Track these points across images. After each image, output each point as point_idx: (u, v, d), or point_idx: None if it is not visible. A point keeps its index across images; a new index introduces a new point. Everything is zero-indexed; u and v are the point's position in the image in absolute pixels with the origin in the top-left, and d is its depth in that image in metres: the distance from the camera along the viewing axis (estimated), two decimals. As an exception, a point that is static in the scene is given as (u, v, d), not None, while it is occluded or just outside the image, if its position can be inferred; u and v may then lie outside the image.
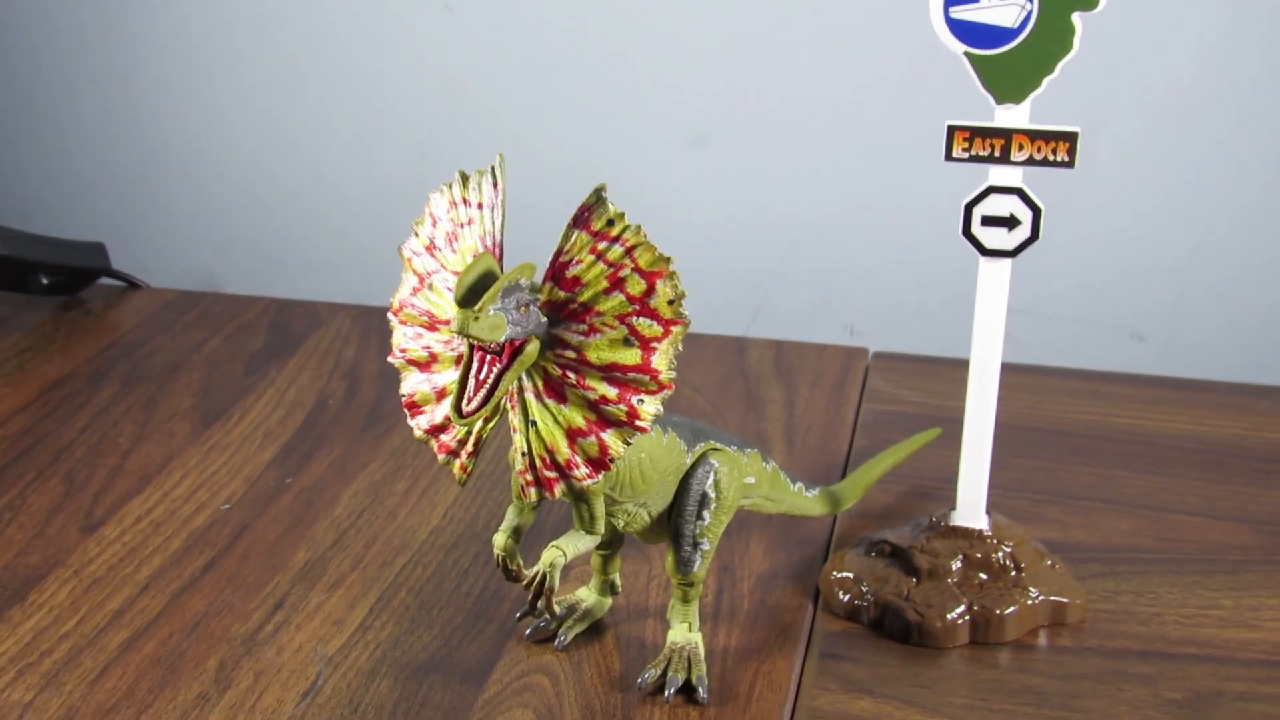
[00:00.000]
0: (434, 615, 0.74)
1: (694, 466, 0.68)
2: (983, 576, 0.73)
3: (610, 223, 0.60)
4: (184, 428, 0.94)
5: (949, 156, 0.69)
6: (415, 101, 1.25)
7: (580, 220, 0.60)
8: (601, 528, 0.65)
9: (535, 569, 0.65)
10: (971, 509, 0.75)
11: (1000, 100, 0.68)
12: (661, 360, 0.60)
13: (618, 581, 0.74)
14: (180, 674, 0.70)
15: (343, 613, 0.74)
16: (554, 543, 0.65)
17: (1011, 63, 0.67)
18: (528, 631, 0.72)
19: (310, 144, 1.28)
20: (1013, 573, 0.73)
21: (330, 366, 1.03)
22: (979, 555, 0.73)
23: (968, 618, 0.72)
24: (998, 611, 0.71)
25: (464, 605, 0.75)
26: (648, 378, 0.60)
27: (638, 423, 0.61)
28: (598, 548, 0.72)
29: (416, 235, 0.64)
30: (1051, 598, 0.73)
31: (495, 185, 0.62)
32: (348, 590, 0.76)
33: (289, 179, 1.30)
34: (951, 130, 0.69)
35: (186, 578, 0.78)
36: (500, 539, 0.65)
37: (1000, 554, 0.73)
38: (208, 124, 1.30)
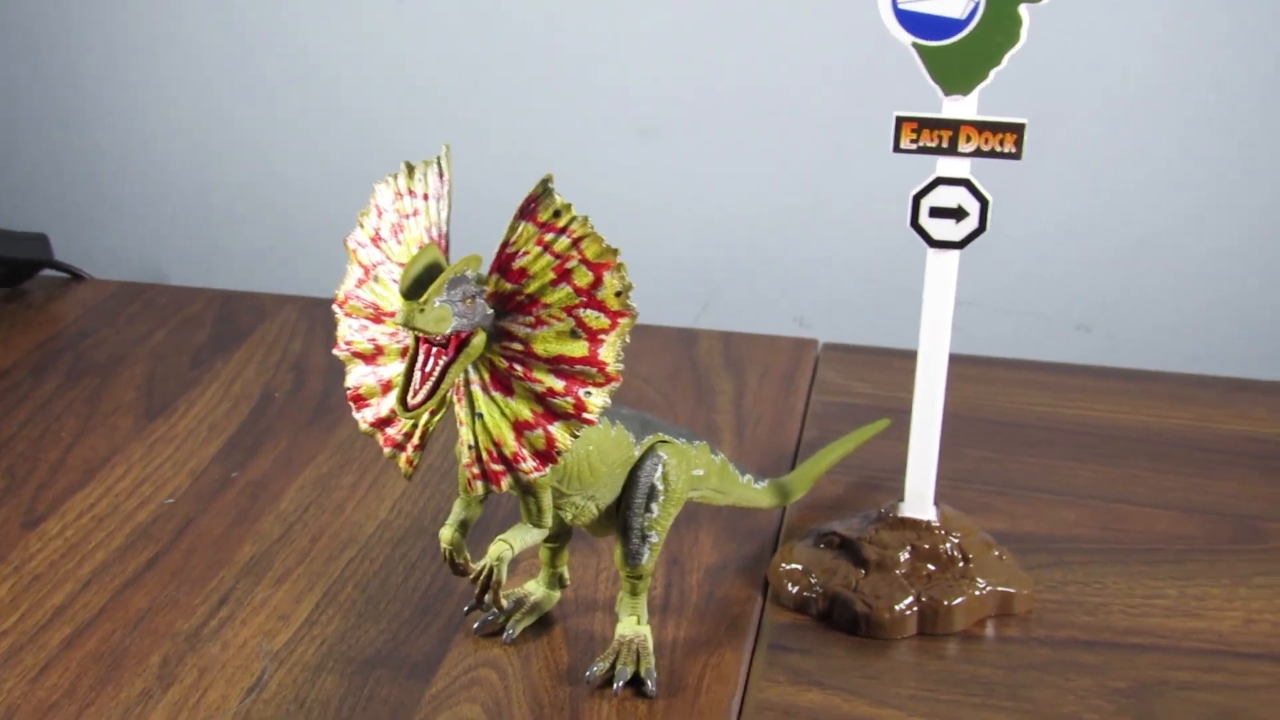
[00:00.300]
0: (381, 610, 0.74)
1: (642, 459, 0.68)
2: (931, 567, 0.73)
3: (557, 214, 0.59)
4: (128, 421, 0.93)
5: (897, 148, 0.69)
6: (363, 92, 1.24)
7: (527, 211, 0.59)
8: (549, 521, 0.65)
9: (482, 563, 0.64)
10: (920, 500, 0.75)
11: (948, 91, 0.68)
12: (609, 352, 0.60)
13: (566, 574, 0.73)
14: (123, 670, 0.69)
15: (288, 607, 0.74)
16: (501, 536, 0.64)
17: (959, 54, 0.67)
18: (475, 625, 0.72)
19: (256, 134, 1.27)
20: (960, 564, 0.73)
21: (276, 359, 1.02)
22: (927, 546, 0.74)
23: (916, 609, 0.72)
24: (945, 602, 0.72)
25: (411, 599, 0.74)
26: (595, 370, 0.60)
27: (585, 415, 0.60)
28: (546, 541, 0.72)
29: (362, 227, 0.64)
30: (999, 588, 0.73)
31: (441, 176, 0.62)
32: (294, 585, 0.76)
33: (235, 169, 1.29)
34: (899, 121, 0.69)
35: (130, 573, 0.77)
36: (447, 533, 0.65)
37: (948, 545, 0.74)
38: (152, 113, 1.29)
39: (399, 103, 1.23)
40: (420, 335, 0.58)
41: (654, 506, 0.68)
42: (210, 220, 1.31)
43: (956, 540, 0.74)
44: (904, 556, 0.73)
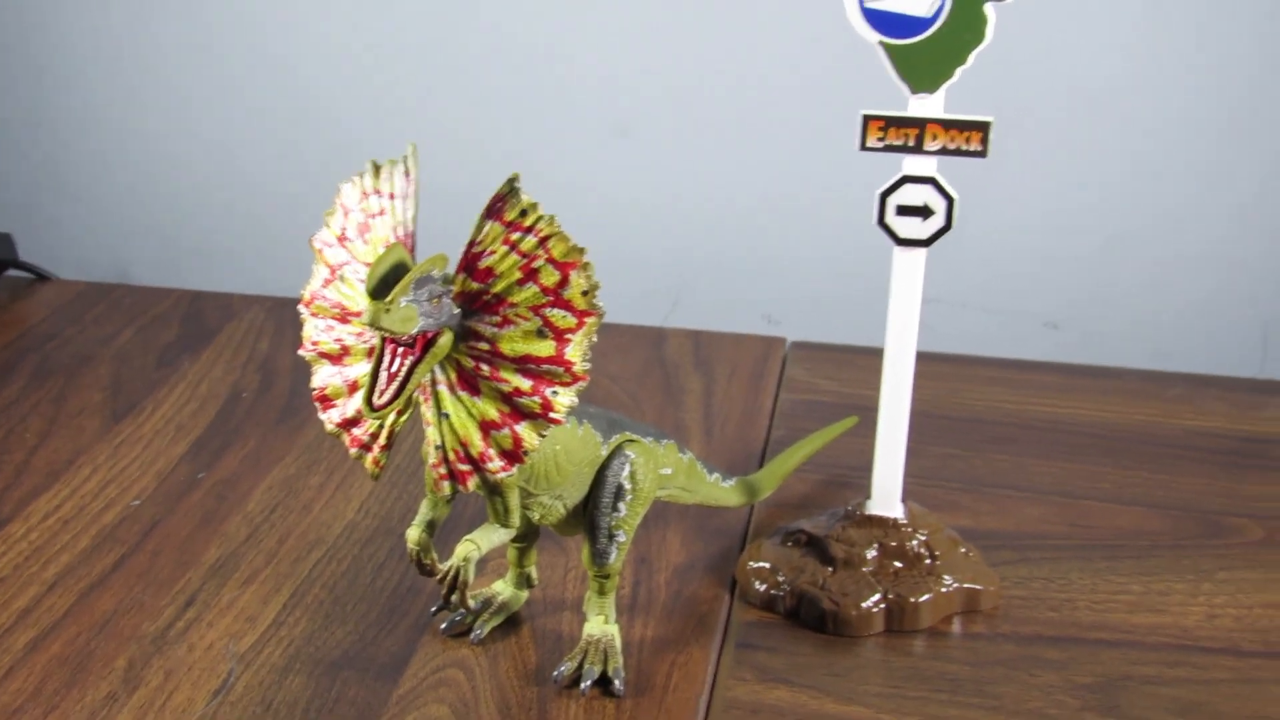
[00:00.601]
0: (348, 611, 0.73)
1: (610, 458, 0.68)
2: (898, 565, 0.73)
3: (524, 213, 0.59)
4: (94, 422, 0.92)
5: (864, 146, 0.69)
6: (329, 91, 1.24)
7: (493, 211, 0.59)
8: (517, 521, 0.65)
9: (449, 563, 0.64)
10: (887, 498, 0.75)
11: (915, 90, 0.68)
12: (576, 352, 0.60)
13: (534, 574, 0.73)
14: (88, 674, 0.69)
15: (255, 609, 0.74)
16: (468, 536, 0.64)
17: (925, 52, 0.68)
18: (443, 626, 0.72)
19: (223, 133, 1.27)
20: (927, 561, 0.74)
21: (244, 359, 1.02)
22: (894, 544, 0.74)
23: (883, 606, 0.72)
24: (913, 599, 0.72)
25: (378, 600, 0.74)
26: (562, 369, 0.60)
27: (552, 415, 0.60)
28: (513, 540, 0.71)
29: (328, 226, 0.63)
30: (965, 585, 0.73)
31: (407, 175, 0.62)
32: (260, 586, 0.75)
33: (201, 168, 1.28)
34: (866, 119, 0.69)
35: (95, 575, 0.76)
36: (414, 533, 0.65)
37: (915, 542, 0.74)
38: (117, 112, 1.28)
39: (365, 101, 1.23)
40: (386, 335, 0.58)
41: (621, 505, 0.68)
42: (176, 220, 1.30)
43: (923, 537, 0.74)
44: (871, 554, 0.74)
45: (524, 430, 0.60)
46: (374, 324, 0.56)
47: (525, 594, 0.73)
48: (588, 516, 0.68)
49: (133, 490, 0.84)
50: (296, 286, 0.65)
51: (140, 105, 1.27)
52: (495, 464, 0.61)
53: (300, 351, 0.64)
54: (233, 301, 1.11)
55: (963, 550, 0.75)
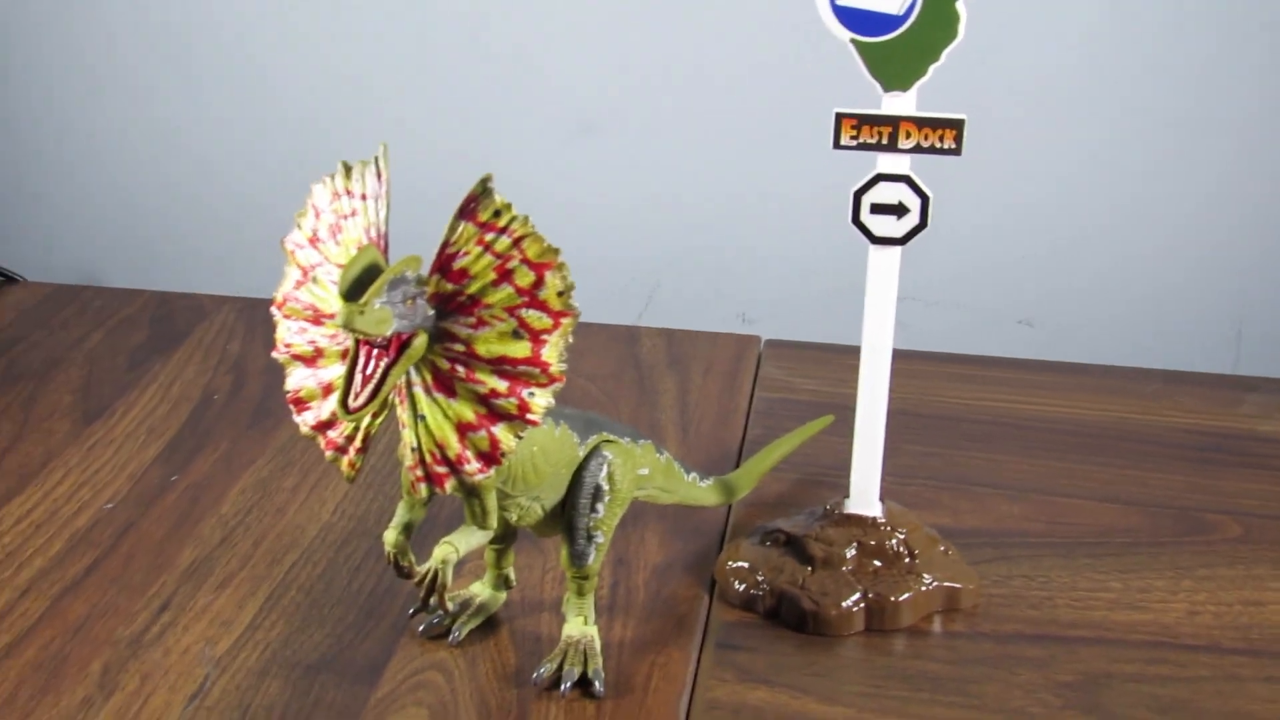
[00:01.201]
0: (325, 613, 0.73)
1: (587, 459, 0.68)
2: (877, 564, 0.73)
3: (497, 213, 0.59)
4: (64, 425, 0.92)
5: (837, 144, 0.69)
6: (298, 91, 1.23)
7: (466, 211, 0.59)
8: (494, 522, 0.64)
9: (427, 565, 0.64)
10: (865, 496, 0.75)
11: (887, 88, 0.68)
12: (552, 353, 0.60)
13: (512, 576, 0.73)
14: (63, 679, 0.68)
15: (231, 613, 0.73)
16: (446, 538, 0.64)
17: (897, 50, 0.67)
18: (421, 628, 0.71)
19: (191, 134, 1.26)
20: (906, 559, 0.73)
21: (215, 360, 1.01)
22: (873, 543, 0.74)
23: (863, 605, 0.72)
24: (892, 598, 0.72)
25: (355, 603, 0.74)
26: (538, 370, 0.60)
27: (529, 416, 0.60)
28: (491, 542, 0.71)
29: (299, 228, 0.63)
30: (945, 583, 0.73)
31: (379, 176, 0.61)
32: (236, 589, 0.75)
33: (169, 169, 1.27)
34: (839, 118, 0.69)
35: (68, 580, 0.76)
36: (391, 536, 0.65)
37: (894, 541, 0.74)
38: (84, 113, 1.27)
39: (335, 101, 1.23)
40: (361, 337, 0.57)
41: (599, 506, 0.67)
42: (145, 221, 1.29)
43: (902, 536, 0.74)
44: (850, 553, 0.73)
45: (501, 432, 0.60)
46: (348, 326, 0.55)
47: (503, 595, 0.73)
48: (565, 517, 0.68)
49: (105, 493, 0.84)
50: (267, 287, 0.64)
51: (107, 106, 1.26)
52: (472, 466, 0.60)
53: (274, 354, 0.63)
54: (203, 302, 1.10)
55: (942, 549, 0.75)
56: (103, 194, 1.29)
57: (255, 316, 1.08)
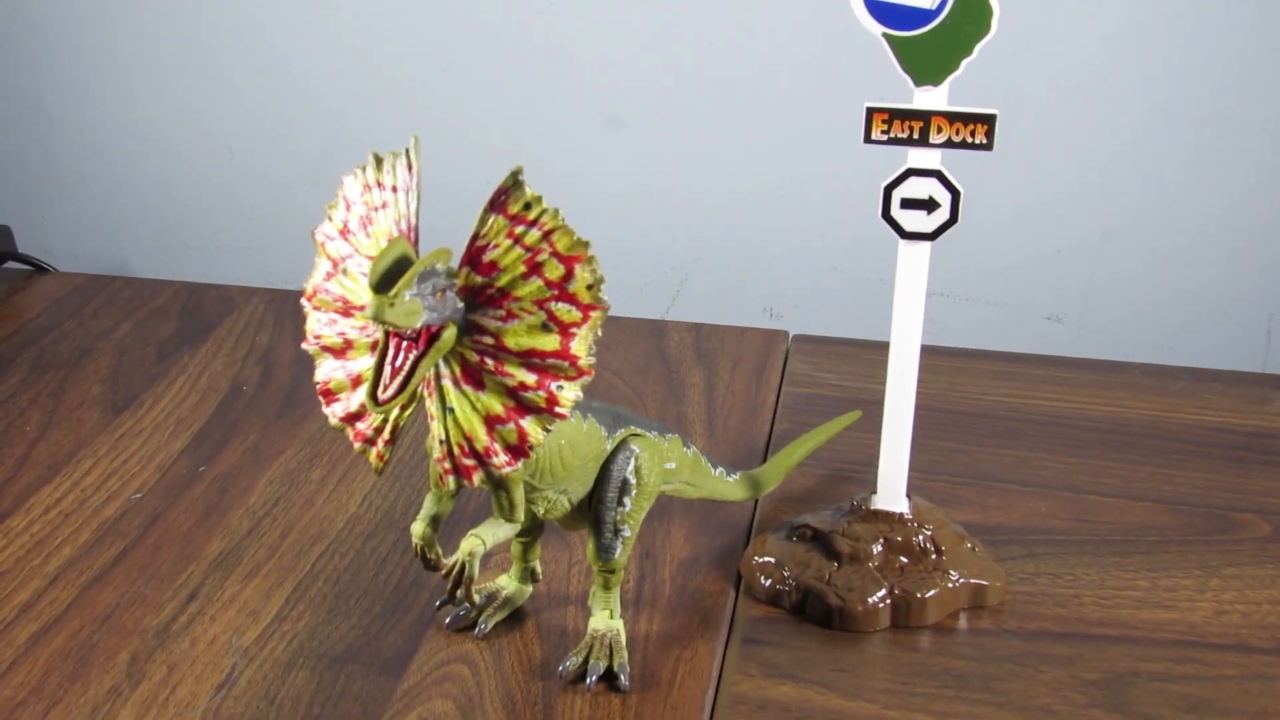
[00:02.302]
0: (352, 605, 0.73)
1: (614, 453, 0.68)
2: (903, 560, 0.73)
3: (528, 206, 0.59)
4: (94, 415, 0.92)
5: (868, 139, 0.69)
6: (328, 83, 1.23)
7: (497, 204, 0.59)
8: (521, 515, 0.64)
9: (454, 558, 0.64)
10: (892, 492, 0.75)
11: (919, 82, 0.68)
12: (581, 346, 0.59)
13: (538, 569, 0.73)
14: (91, 668, 0.68)
15: (258, 603, 0.73)
16: (473, 531, 0.64)
17: (930, 44, 0.67)
18: (447, 620, 0.71)
19: (221, 125, 1.26)
20: (933, 556, 0.73)
21: (244, 352, 1.01)
22: (900, 539, 0.73)
23: (889, 601, 0.72)
24: (919, 595, 0.72)
25: (382, 594, 0.74)
26: (567, 364, 0.59)
27: (557, 409, 0.60)
28: (518, 535, 0.71)
29: (330, 219, 0.63)
30: (971, 580, 0.73)
31: (410, 168, 0.61)
32: (263, 580, 0.75)
33: (200, 160, 1.28)
34: (870, 112, 0.69)
35: (97, 569, 0.76)
36: (418, 528, 0.65)
37: (921, 537, 0.74)
38: (115, 104, 1.28)
39: (366, 94, 1.23)
40: (390, 329, 0.57)
41: (626, 500, 0.67)
42: (175, 212, 1.30)
43: (929, 532, 0.74)
44: (877, 549, 0.73)
45: (529, 425, 0.60)
46: (378, 318, 0.55)
47: (530, 589, 0.73)
48: (592, 511, 0.68)
49: (134, 483, 0.84)
50: (295, 279, 0.64)
51: (140, 98, 1.27)
52: (500, 459, 0.60)
53: (303, 345, 0.63)
54: (232, 294, 1.11)
55: (968, 545, 0.75)
56: (133, 185, 1.30)
57: (284, 308, 1.08)
